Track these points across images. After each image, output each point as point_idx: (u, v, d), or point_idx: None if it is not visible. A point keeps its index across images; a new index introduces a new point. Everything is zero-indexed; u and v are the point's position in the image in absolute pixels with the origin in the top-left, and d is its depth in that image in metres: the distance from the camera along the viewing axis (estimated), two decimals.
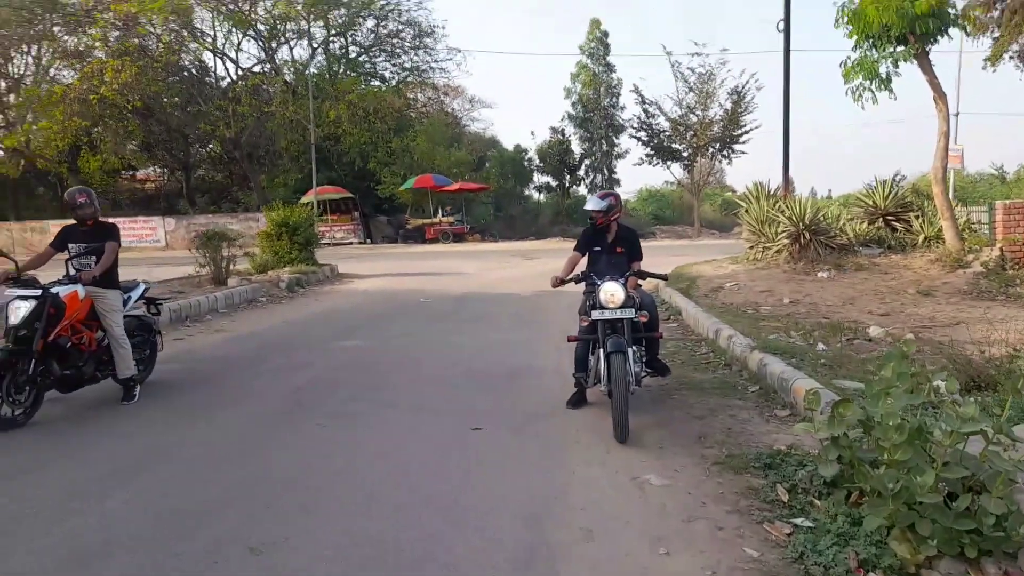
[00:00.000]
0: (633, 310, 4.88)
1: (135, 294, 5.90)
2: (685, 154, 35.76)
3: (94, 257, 5.41)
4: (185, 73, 34.37)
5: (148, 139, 34.70)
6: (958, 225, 11.68)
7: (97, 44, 31.20)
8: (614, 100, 37.89)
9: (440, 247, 28.24)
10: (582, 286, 5.30)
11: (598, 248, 5.57)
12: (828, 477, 3.44)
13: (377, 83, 37.80)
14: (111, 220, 5.96)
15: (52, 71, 33.65)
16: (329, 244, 30.53)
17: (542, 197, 40.45)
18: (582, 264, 5.58)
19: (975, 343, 6.41)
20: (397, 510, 3.48)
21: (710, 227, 38.41)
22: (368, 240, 32.87)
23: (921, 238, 12.65)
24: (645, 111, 35.30)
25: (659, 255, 20.44)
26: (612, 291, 4.86)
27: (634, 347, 4.96)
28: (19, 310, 4.77)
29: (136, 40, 30.77)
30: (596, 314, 4.87)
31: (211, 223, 31.54)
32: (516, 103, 77.92)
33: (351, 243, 31.36)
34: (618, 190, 39.18)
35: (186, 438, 4.67)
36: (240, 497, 3.67)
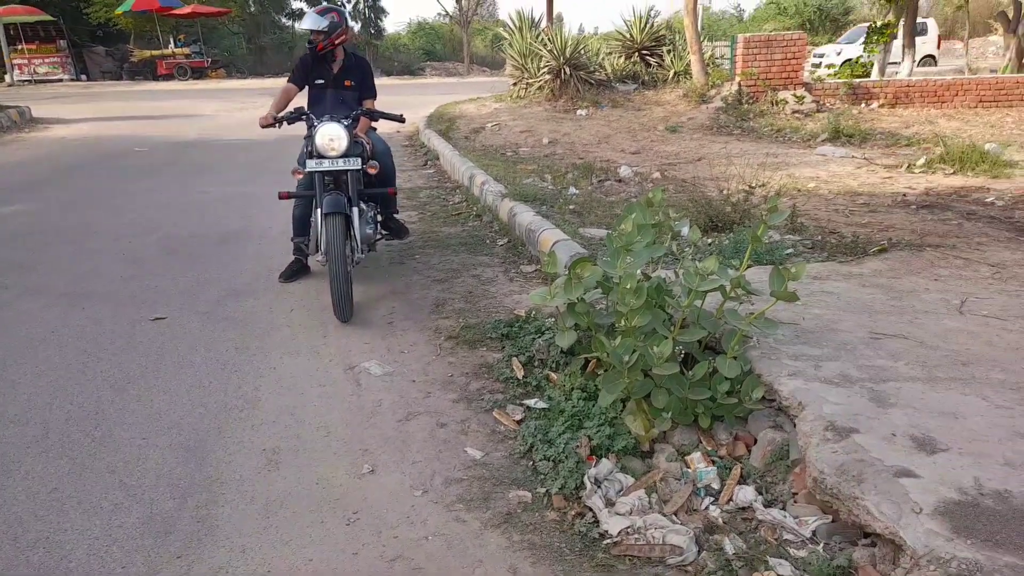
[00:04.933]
0: (359, 159, 3.93)
1: None
2: None
3: None
4: None
5: None
6: (704, 59, 11.92)
7: None
8: None
9: (175, 85, 24.20)
10: None
11: (321, 81, 4.45)
12: (565, 347, 3.01)
13: None
14: None
15: None
16: (29, 81, 24.99)
17: (299, 26, 36.12)
18: (301, 101, 4.46)
19: (714, 179, 6.45)
20: None
21: (482, 64, 37.35)
22: (84, 76, 27.29)
23: (672, 73, 12.83)
24: None
25: (425, 93, 19.23)
26: (332, 134, 3.85)
27: (363, 205, 4.10)
28: None
29: None
30: (312, 164, 3.87)
31: None
32: None
33: (60, 80, 25.81)
34: (385, 21, 36.26)
35: None
36: None
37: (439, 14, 41.27)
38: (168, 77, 26.22)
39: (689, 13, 11.65)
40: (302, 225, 4.32)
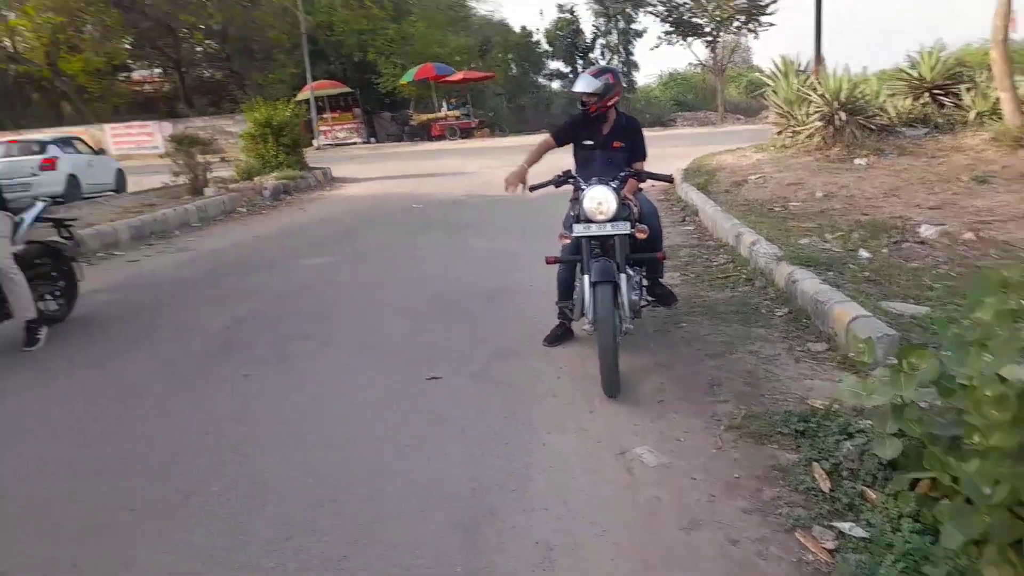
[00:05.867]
0: (628, 223, 3.74)
1: (29, 216, 4.90)
2: (707, 29, 33.11)
3: None
4: None
5: (137, 35, 32.68)
6: (1018, 97, 10.12)
7: None
8: None
9: (446, 144, 26.71)
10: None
11: (590, 142, 4.33)
12: (886, 459, 2.48)
13: None
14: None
15: None
16: (331, 145, 29.19)
17: (554, 85, 38.16)
18: (554, 160, 4.38)
19: None
20: (284, 518, 2.59)
21: (736, 112, 36.23)
22: (372, 139, 31.32)
23: (973, 114, 11.10)
24: None
25: (678, 144, 18.92)
26: (600, 198, 3.71)
27: (630, 271, 3.90)
28: None
29: None
30: (579, 229, 3.75)
31: (209, 125, 30.19)
32: None
33: (354, 143, 29.86)
34: (636, 75, 36.82)
35: (70, 401, 3.79)
36: (92, 495, 2.79)
37: (690, 64, 40.94)
38: (440, 137, 29.07)
39: (997, 44, 10.00)
40: (567, 289, 4.23)
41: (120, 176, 15.21)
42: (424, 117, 30.74)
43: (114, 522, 2.59)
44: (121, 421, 3.50)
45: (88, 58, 30.16)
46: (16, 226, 4.74)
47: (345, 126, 30.59)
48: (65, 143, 14.16)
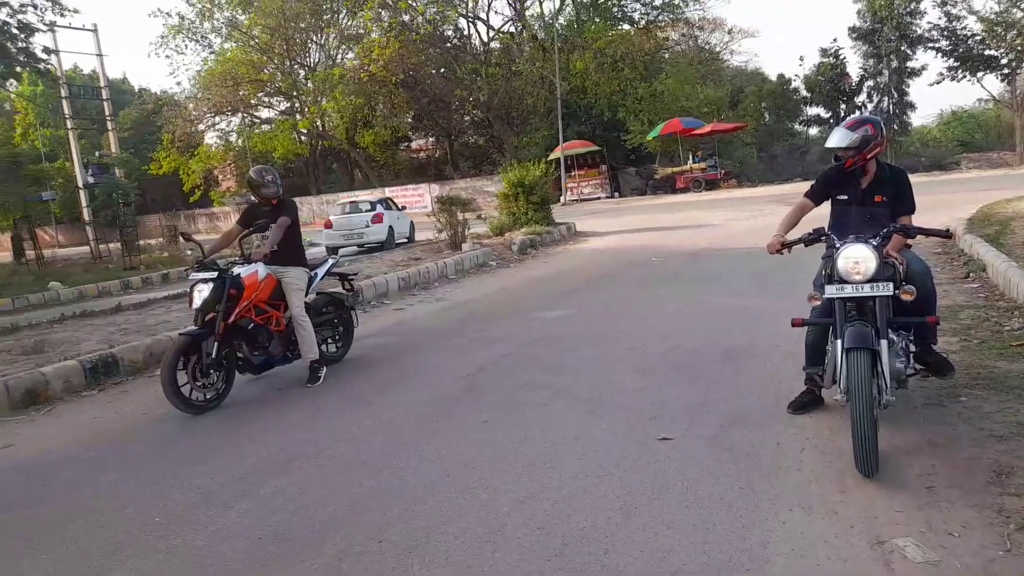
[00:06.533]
0: (891, 284, 3.35)
1: (321, 271, 5.78)
2: (1003, 61, 28.96)
3: None
4: (448, 45, 36.20)
5: (418, 110, 37.35)
6: None
7: (372, 26, 34.11)
8: (913, 5, 31.38)
9: (690, 197, 26.33)
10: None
11: (844, 196, 3.99)
12: None
13: (626, 27, 36.17)
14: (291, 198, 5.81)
15: (338, 56, 37.86)
16: (577, 200, 30.33)
17: (812, 132, 35.80)
18: (814, 218, 4.08)
19: None
20: (511, 567, 2.65)
21: None
22: (616, 194, 31.98)
23: None
24: (947, 13, 29.12)
25: (961, 190, 16.63)
26: (857, 257, 3.37)
27: (893, 336, 3.47)
28: (201, 293, 4.80)
29: (400, 18, 33.02)
30: (832, 290, 3.44)
31: (470, 186, 33.24)
32: (784, 27, 69.94)
33: (598, 198, 30.72)
34: (911, 115, 33.14)
35: (339, 432, 4.31)
36: (352, 520, 3.12)
37: (979, 100, 35.92)
38: (684, 190, 28.76)
39: None
40: (816, 354, 3.89)
41: (412, 229, 18.92)
42: (668, 170, 30.70)
43: (363, 552, 2.86)
44: (377, 456, 3.89)
45: (378, 132, 35.20)
46: (311, 280, 5.60)
47: (591, 182, 31.65)
48: (384, 202, 18.48)
